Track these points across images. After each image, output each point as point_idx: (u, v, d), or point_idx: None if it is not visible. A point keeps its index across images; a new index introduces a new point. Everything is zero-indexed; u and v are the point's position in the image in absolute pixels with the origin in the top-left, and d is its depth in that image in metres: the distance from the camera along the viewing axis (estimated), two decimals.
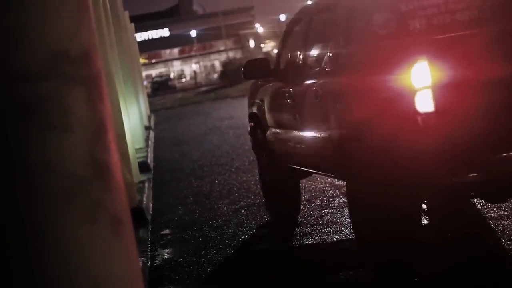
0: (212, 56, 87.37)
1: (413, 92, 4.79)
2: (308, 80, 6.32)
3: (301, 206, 7.84)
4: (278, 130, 7.32)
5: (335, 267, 5.80)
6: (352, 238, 6.33)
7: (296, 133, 6.73)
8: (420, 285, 5.17)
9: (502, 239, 5.84)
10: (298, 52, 6.78)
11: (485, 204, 6.88)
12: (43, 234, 2.10)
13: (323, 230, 6.86)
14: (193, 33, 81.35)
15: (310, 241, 6.65)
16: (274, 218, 7.82)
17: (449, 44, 5.10)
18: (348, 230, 6.66)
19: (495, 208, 6.71)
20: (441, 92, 4.78)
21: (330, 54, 6.02)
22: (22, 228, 2.11)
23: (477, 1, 5.60)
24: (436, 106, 4.77)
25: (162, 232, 8.01)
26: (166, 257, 7.01)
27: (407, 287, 5.18)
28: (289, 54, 7.20)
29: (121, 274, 2.24)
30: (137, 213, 7.98)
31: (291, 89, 6.75)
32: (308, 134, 6.43)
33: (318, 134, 6.19)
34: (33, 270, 2.14)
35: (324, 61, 6.13)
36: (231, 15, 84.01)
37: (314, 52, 6.52)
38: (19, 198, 2.08)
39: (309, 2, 8.41)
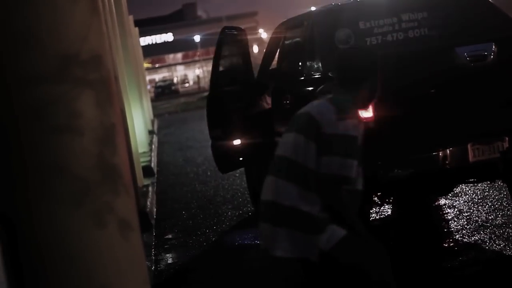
0: None
1: None
2: (282, 87, 7.28)
3: None
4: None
5: None
6: None
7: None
8: None
9: (507, 246, 5.84)
10: (277, 62, 7.88)
11: (489, 211, 6.87)
12: (52, 236, 2.10)
13: None
14: (197, 38, 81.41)
15: None
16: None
17: (387, 60, 5.86)
18: None
19: (499, 215, 6.71)
20: (379, 102, 5.52)
21: (298, 64, 6.94)
22: (31, 229, 2.11)
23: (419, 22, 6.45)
24: (375, 113, 5.62)
25: (166, 237, 8.01)
26: (170, 261, 7.01)
27: None
28: (271, 64, 8.23)
29: (128, 277, 2.24)
30: (141, 217, 7.98)
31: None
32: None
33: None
34: (41, 270, 2.14)
35: (294, 71, 7.05)
36: (235, 20, 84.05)
37: (288, 62, 7.51)
38: (29, 200, 2.08)
39: (313, 8, 8.51)
